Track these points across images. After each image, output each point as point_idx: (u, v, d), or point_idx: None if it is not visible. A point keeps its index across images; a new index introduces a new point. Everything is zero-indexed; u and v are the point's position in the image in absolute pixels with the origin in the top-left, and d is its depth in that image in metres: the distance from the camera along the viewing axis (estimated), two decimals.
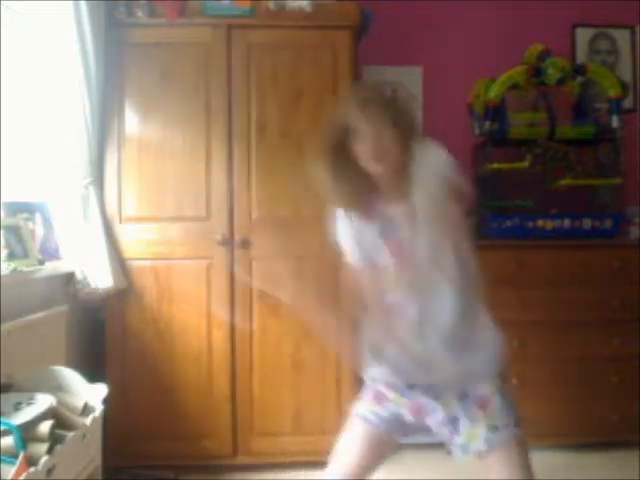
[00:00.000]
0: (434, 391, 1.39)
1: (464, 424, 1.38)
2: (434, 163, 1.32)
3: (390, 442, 1.50)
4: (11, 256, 1.96)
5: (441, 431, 1.43)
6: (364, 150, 1.36)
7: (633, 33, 3.16)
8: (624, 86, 2.76)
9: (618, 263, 2.59)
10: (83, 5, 2.20)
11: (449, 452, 1.45)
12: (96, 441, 1.77)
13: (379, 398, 1.46)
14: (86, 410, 1.71)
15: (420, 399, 1.41)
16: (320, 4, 2.41)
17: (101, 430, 1.80)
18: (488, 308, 1.44)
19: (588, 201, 2.84)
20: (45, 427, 1.47)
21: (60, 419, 1.57)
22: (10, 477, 1.30)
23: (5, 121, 2.10)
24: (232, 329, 2.40)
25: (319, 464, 2.39)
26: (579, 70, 2.78)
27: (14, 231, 2.02)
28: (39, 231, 2.23)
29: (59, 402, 1.63)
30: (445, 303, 1.36)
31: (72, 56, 2.22)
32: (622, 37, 3.15)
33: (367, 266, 1.45)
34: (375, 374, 1.46)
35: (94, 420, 1.70)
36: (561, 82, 2.72)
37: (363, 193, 1.41)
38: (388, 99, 1.39)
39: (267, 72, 2.42)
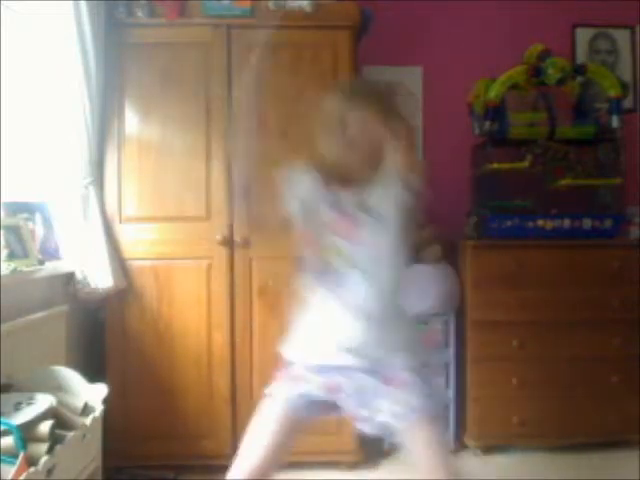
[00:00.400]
0: (349, 370, 1.43)
1: (370, 397, 1.42)
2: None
3: (302, 421, 1.51)
4: (11, 256, 1.96)
5: (347, 405, 1.46)
6: (344, 137, 1.42)
7: (633, 33, 3.16)
8: (624, 86, 2.76)
9: (618, 263, 2.59)
10: (83, 5, 2.20)
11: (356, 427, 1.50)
12: (96, 441, 1.77)
13: (294, 379, 1.48)
14: (86, 410, 1.71)
15: (334, 377, 1.44)
16: (320, 4, 2.41)
17: (101, 430, 1.81)
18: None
19: (588, 201, 2.84)
20: (45, 427, 1.48)
21: (60, 419, 1.57)
22: (10, 477, 1.30)
23: (5, 121, 2.10)
24: (232, 329, 2.41)
25: (319, 464, 2.40)
26: (579, 70, 2.78)
27: (14, 231, 2.02)
28: (39, 231, 2.23)
29: (59, 402, 1.63)
30: (374, 289, 1.43)
31: (72, 56, 2.21)
32: (622, 37, 3.15)
33: (303, 220, 1.51)
34: (294, 355, 1.50)
35: (94, 420, 1.70)
36: (561, 82, 2.72)
37: (336, 168, 1.47)
38: (378, 95, 1.47)
39: (267, 72, 2.41)
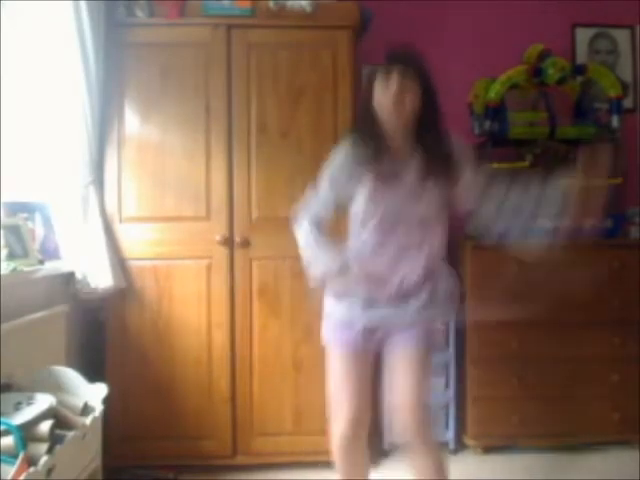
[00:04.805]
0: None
1: None
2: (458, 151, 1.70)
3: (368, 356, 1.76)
4: (11, 256, 1.96)
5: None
6: (385, 98, 1.57)
7: (633, 33, 3.15)
8: (624, 86, 2.76)
9: (618, 263, 2.59)
10: (83, 5, 2.20)
11: None
12: (96, 441, 1.77)
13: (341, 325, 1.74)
14: (86, 410, 1.71)
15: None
16: (320, 4, 2.41)
17: (101, 430, 1.81)
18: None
19: None
20: (45, 427, 1.48)
21: (60, 419, 1.57)
22: (10, 477, 1.30)
23: (5, 121, 2.10)
24: (232, 329, 2.41)
25: (319, 464, 2.40)
26: (579, 70, 2.78)
27: (14, 231, 2.02)
28: (39, 231, 2.23)
29: (59, 402, 1.63)
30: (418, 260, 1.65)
31: (72, 56, 2.21)
32: (622, 37, 3.15)
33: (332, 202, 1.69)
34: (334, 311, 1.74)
35: (94, 420, 1.70)
36: (561, 82, 2.72)
37: (377, 147, 1.62)
38: (419, 64, 1.70)
39: (267, 72, 2.42)
